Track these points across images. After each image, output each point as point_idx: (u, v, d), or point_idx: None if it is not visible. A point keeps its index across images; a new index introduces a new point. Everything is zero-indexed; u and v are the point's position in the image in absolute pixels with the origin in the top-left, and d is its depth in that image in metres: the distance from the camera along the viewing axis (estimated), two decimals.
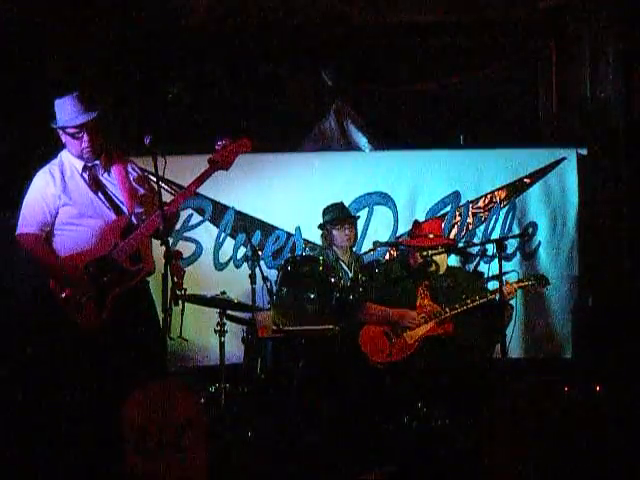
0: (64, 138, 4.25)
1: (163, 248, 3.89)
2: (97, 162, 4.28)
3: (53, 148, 4.41)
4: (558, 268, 6.43)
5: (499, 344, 4.67)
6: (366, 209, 6.45)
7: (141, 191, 4.34)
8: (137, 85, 6.78)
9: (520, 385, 4.25)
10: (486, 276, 5.47)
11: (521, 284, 5.14)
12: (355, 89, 7.01)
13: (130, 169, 4.36)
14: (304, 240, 6.39)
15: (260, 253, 6.08)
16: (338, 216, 5.87)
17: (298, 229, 6.40)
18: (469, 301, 5.02)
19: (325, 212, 5.94)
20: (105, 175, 4.29)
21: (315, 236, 6.24)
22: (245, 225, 6.17)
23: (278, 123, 6.81)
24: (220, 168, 4.26)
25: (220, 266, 6.38)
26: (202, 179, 4.23)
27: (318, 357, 5.28)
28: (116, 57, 6.51)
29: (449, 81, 7.02)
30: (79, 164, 4.28)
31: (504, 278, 4.81)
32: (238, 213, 6.36)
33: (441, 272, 5.21)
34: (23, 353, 4.85)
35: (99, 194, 4.25)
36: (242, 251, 6.33)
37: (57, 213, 4.23)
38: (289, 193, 6.39)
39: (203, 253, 6.31)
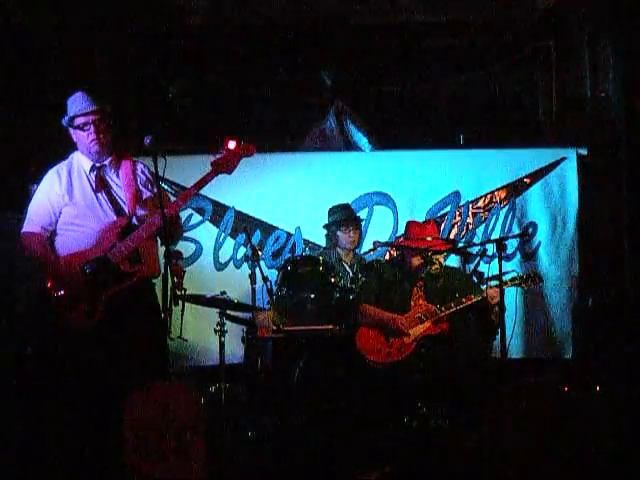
0: (74, 136, 4.23)
1: (163, 248, 3.89)
2: (105, 162, 4.26)
3: (61, 151, 4.41)
4: (558, 268, 6.44)
5: (499, 344, 4.66)
6: (366, 209, 6.45)
7: (147, 194, 4.29)
8: (137, 85, 6.79)
9: (520, 385, 4.25)
10: (486, 276, 5.46)
11: (512, 284, 5.11)
12: (355, 89, 7.01)
13: (139, 172, 4.33)
14: (304, 240, 6.39)
15: (260, 253, 6.07)
16: (344, 217, 5.87)
17: (298, 229, 6.40)
18: (463, 300, 5.02)
19: (331, 212, 5.94)
20: (112, 176, 4.26)
21: (315, 236, 6.25)
22: (245, 225, 6.16)
23: (278, 123, 6.81)
24: (223, 172, 4.22)
25: (220, 266, 6.38)
26: (204, 182, 4.20)
27: (318, 357, 5.27)
28: (116, 57, 6.52)
29: (449, 81, 7.02)
30: (87, 164, 4.26)
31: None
32: (238, 213, 6.37)
33: (434, 271, 5.20)
34: (23, 353, 4.85)
35: (103, 194, 4.23)
36: (242, 251, 6.34)
37: (61, 213, 4.22)
38: (289, 193, 6.39)
39: (203, 253, 6.31)
